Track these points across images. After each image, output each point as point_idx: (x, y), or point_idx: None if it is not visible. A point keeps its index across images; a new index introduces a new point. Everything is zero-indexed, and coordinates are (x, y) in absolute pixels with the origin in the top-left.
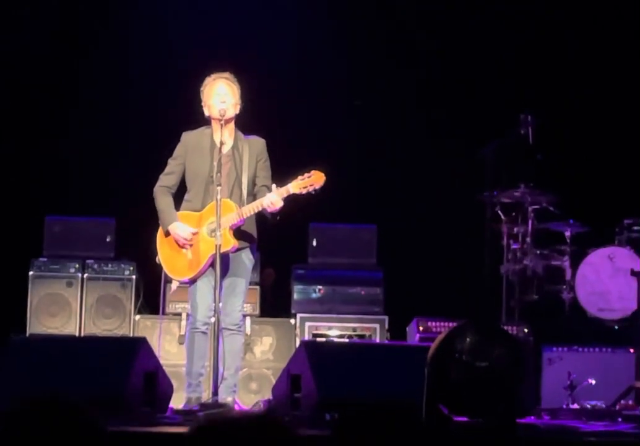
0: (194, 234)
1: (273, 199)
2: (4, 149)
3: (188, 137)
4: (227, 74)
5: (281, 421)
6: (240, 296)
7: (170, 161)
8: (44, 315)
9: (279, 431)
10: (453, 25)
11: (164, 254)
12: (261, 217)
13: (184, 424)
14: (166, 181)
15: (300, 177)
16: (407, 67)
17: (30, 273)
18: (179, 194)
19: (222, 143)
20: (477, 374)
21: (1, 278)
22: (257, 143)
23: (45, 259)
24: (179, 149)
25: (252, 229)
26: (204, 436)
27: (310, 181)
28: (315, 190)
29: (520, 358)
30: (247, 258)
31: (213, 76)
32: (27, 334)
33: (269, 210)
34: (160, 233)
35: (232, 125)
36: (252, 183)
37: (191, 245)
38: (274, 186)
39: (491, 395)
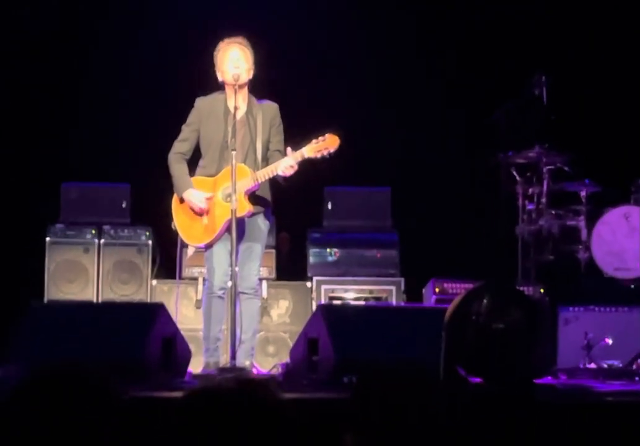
0: (208, 199)
1: (288, 164)
2: (19, 117)
3: (202, 103)
4: (240, 39)
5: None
6: (257, 261)
7: (184, 127)
8: (62, 281)
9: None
10: None
11: (180, 221)
12: (273, 181)
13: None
14: (180, 147)
15: (314, 141)
16: (421, 29)
17: (47, 239)
18: (192, 160)
19: (236, 108)
20: (494, 336)
21: (18, 245)
22: (271, 108)
23: (61, 226)
24: (193, 115)
25: (267, 194)
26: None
27: (324, 145)
28: (329, 154)
29: (537, 319)
30: (262, 223)
31: (226, 40)
32: (45, 300)
33: (283, 174)
34: (175, 200)
35: (245, 90)
36: (266, 148)
37: (207, 211)
38: (288, 149)
39: (508, 356)
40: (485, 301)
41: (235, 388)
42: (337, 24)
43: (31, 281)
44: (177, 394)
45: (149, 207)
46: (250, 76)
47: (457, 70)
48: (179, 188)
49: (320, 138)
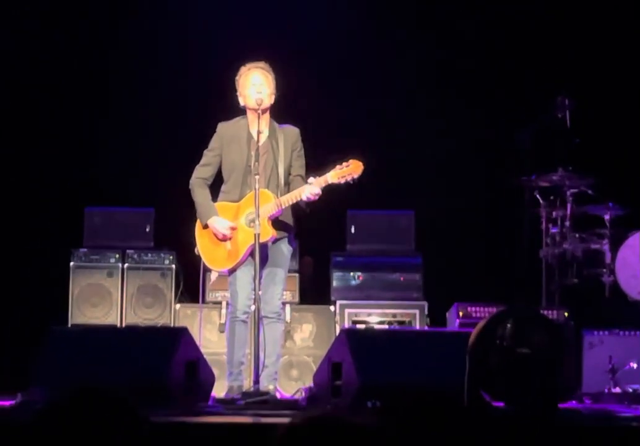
0: (232, 228)
1: (312, 190)
2: (44, 141)
3: (224, 128)
4: (262, 64)
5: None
6: (280, 285)
7: (206, 152)
8: (86, 305)
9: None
10: (489, 7)
11: (203, 246)
12: (296, 206)
13: (226, 413)
14: (203, 172)
15: (338, 166)
16: (443, 53)
17: (71, 263)
18: (214, 185)
19: (259, 133)
20: (519, 360)
21: (43, 269)
22: (292, 132)
23: (85, 250)
24: (215, 141)
25: (290, 219)
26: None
27: (348, 171)
28: (353, 179)
29: (561, 343)
30: (285, 248)
31: (248, 65)
32: (69, 324)
33: (307, 201)
34: (198, 225)
35: (267, 115)
36: (288, 173)
37: (230, 238)
38: (311, 178)
39: (532, 380)
40: (509, 325)
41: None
42: (359, 47)
43: (55, 305)
44: (201, 419)
45: (172, 231)
46: (272, 101)
47: (481, 93)
48: (203, 215)
49: (344, 164)
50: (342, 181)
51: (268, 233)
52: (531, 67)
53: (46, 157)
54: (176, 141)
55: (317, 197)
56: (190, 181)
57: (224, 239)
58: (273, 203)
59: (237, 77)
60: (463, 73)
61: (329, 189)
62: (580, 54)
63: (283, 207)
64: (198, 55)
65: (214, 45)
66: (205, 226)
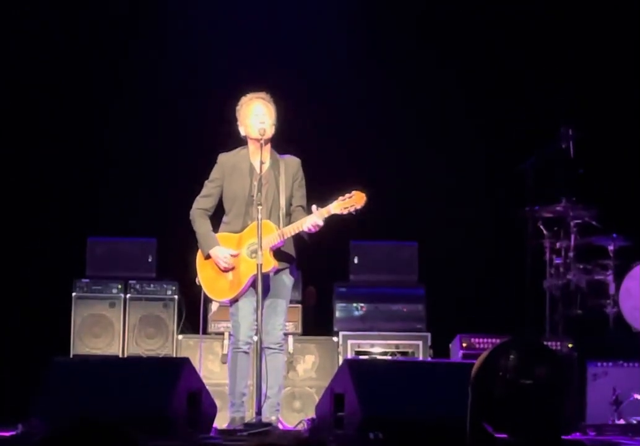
0: (234, 256)
1: (314, 221)
2: (47, 171)
3: (225, 159)
4: (263, 94)
5: (321, 443)
6: (282, 315)
7: (207, 183)
8: (87, 336)
9: None
10: (493, 34)
11: (204, 276)
12: (297, 237)
13: (228, 445)
14: (203, 203)
15: (341, 197)
16: (447, 82)
17: (73, 294)
18: (214, 216)
19: (262, 163)
20: (522, 392)
21: (45, 299)
22: (293, 162)
23: (87, 280)
24: (216, 171)
25: (292, 250)
26: None
27: (351, 202)
28: (356, 210)
29: (564, 376)
30: (287, 278)
31: (249, 95)
32: (71, 355)
33: (309, 232)
34: (199, 255)
35: (268, 145)
36: (289, 203)
37: (232, 268)
38: (314, 207)
39: (535, 412)
40: (512, 356)
41: None
42: (361, 76)
43: (57, 335)
44: None
45: (175, 261)
46: (273, 131)
47: (485, 123)
48: (205, 245)
49: (347, 195)
50: (345, 211)
51: (270, 263)
52: (535, 98)
53: (49, 187)
54: (178, 172)
55: (318, 228)
56: (191, 212)
57: (226, 269)
58: (275, 234)
59: (237, 107)
60: (467, 103)
61: (332, 220)
62: (584, 85)
63: (285, 238)
64: (199, 85)
65: (215, 75)
66: (207, 257)
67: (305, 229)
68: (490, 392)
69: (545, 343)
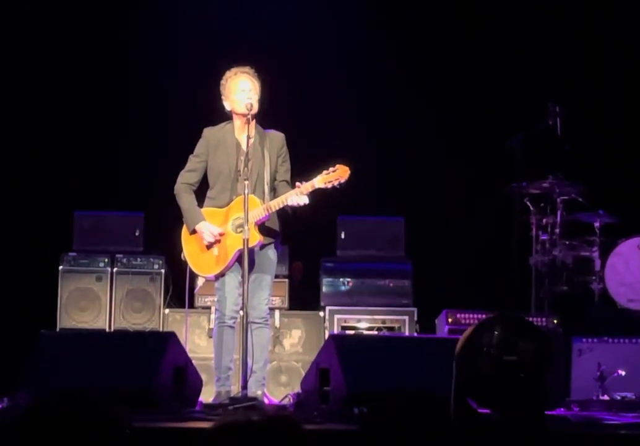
0: (220, 234)
1: (299, 195)
2: (34, 144)
3: (210, 134)
4: (248, 69)
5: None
6: (267, 290)
7: (191, 157)
8: (74, 310)
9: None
10: (482, 14)
11: (190, 251)
12: (282, 212)
13: (213, 419)
14: (188, 178)
15: (325, 171)
16: (435, 59)
17: (60, 267)
18: (197, 191)
19: (249, 137)
20: (505, 367)
21: (31, 273)
22: (278, 137)
23: (74, 254)
24: (200, 146)
25: (276, 225)
26: (219, 436)
27: (335, 176)
28: (340, 184)
29: (548, 352)
30: (272, 253)
31: (234, 69)
32: (58, 329)
33: (292, 205)
34: (184, 230)
35: (254, 120)
36: (274, 178)
37: (218, 243)
38: (298, 184)
39: (519, 388)
40: (496, 333)
41: (264, 422)
42: (347, 51)
43: (44, 309)
44: (188, 424)
45: (162, 236)
46: (258, 106)
47: (472, 100)
48: (190, 221)
49: (331, 169)
50: (329, 185)
51: (255, 238)
52: (523, 75)
53: (36, 161)
54: (166, 146)
55: (303, 202)
56: (176, 187)
57: (212, 245)
58: (260, 208)
59: (222, 82)
60: (454, 80)
61: (319, 195)
62: (571, 62)
63: (270, 212)
64: (185, 61)
65: (200, 49)
66: (193, 232)
67: (290, 204)
68: (475, 368)
69: (530, 319)
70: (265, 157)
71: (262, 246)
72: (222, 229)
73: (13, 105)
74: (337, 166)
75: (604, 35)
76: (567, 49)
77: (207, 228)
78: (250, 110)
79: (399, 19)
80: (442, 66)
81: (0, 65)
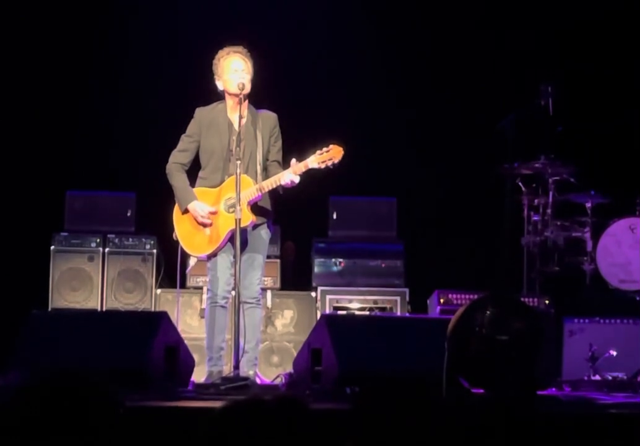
0: (212, 213)
1: (292, 175)
2: (25, 124)
3: (202, 114)
4: (240, 48)
5: (300, 399)
6: (259, 270)
7: (183, 137)
8: (66, 290)
9: (299, 409)
10: None
11: (182, 231)
12: (273, 191)
13: (205, 398)
14: (180, 157)
15: (318, 151)
16: (426, 39)
17: (52, 247)
18: (190, 171)
19: (241, 117)
20: (497, 347)
21: (23, 252)
22: (270, 118)
23: (66, 234)
24: (193, 126)
25: (269, 205)
26: (229, 416)
27: (328, 156)
28: (333, 164)
29: (540, 331)
30: (264, 233)
31: (226, 49)
32: (49, 308)
33: (286, 186)
34: (176, 210)
35: (246, 100)
36: (266, 158)
37: (211, 224)
38: (293, 160)
39: (511, 368)
40: (488, 312)
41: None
42: (341, 32)
43: (36, 289)
44: (180, 403)
45: (154, 216)
46: (250, 86)
47: (464, 80)
48: (183, 200)
49: (325, 149)
50: (323, 165)
51: (248, 218)
52: (515, 55)
53: (27, 141)
54: (158, 125)
55: (296, 182)
56: (167, 166)
57: (204, 224)
58: (253, 188)
59: (215, 61)
60: (445, 59)
61: (311, 175)
62: (563, 41)
63: (263, 192)
64: (177, 39)
65: (192, 28)
66: (185, 211)
67: (283, 184)
68: (467, 348)
69: (522, 299)
70: (258, 137)
71: (255, 226)
72: (214, 209)
73: (3, 85)
74: (331, 146)
75: (597, 13)
76: (560, 26)
77: (200, 207)
78: (242, 90)
79: (392, 2)
80: (433, 47)
81: None
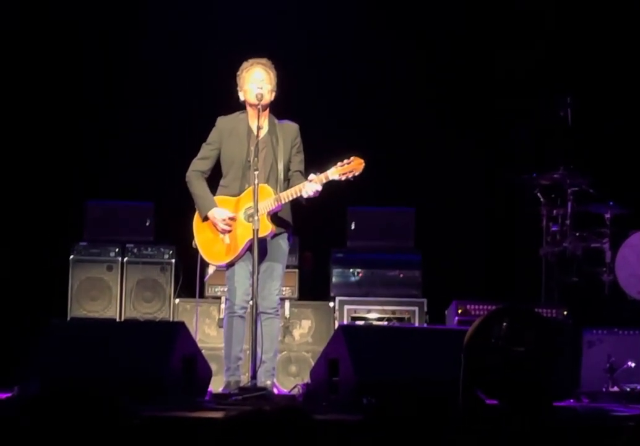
0: (232, 219)
1: (313, 186)
2: (46, 134)
3: (223, 122)
4: (264, 60)
5: (302, 410)
6: (278, 280)
7: (204, 145)
8: (85, 299)
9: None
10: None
11: (201, 239)
12: (295, 201)
13: (222, 408)
14: (200, 165)
15: (339, 163)
16: (445, 49)
17: (71, 257)
18: (211, 179)
19: (259, 128)
20: (513, 359)
21: (42, 262)
22: (292, 128)
23: (85, 244)
24: (213, 134)
25: (289, 215)
26: (231, 426)
27: (349, 168)
28: (354, 176)
29: (556, 343)
30: (284, 243)
31: (250, 61)
32: (68, 318)
33: (305, 196)
34: (196, 218)
35: (267, 110)
36: (287, 168)
37: (230, 230)
38: (312, 174)
39: (526, 380)
40: (504, 324)
41: (275, 413)
42: (362, 45)
43: (55, 298)
44: (198, 414)
45: (172, 225)
46: (273, 97)
47: (483, 90)
48: (203, 207)
49: (346, 161)
50: (343, 177)
51: (267, 228)
52: (534, 65)
53: (48, 151)
54: (176, 135)
55: (317, 194)
56: (187, 174)
57: (224, 231)
58: (273, 198)
59: (238, 72)
60: (464, 69)
61: (330, 185)
62: (582, 52)
63: (283, 202)
64: (200, 49)
65: (216, 40)
66: (205, 219)
67: (304, 195)
68: (483, 359)
69: (540, 310)
70: (279, 148)
71: (274, 236)
72: (233, 214)
73: (24, 93)
74: (352, 158)
75: (617, 24)
76: (579, 37)
77: (219, 214)
78: (260, 100)
79: (412, 5)
80: (454, 56)
81: (13, 53)
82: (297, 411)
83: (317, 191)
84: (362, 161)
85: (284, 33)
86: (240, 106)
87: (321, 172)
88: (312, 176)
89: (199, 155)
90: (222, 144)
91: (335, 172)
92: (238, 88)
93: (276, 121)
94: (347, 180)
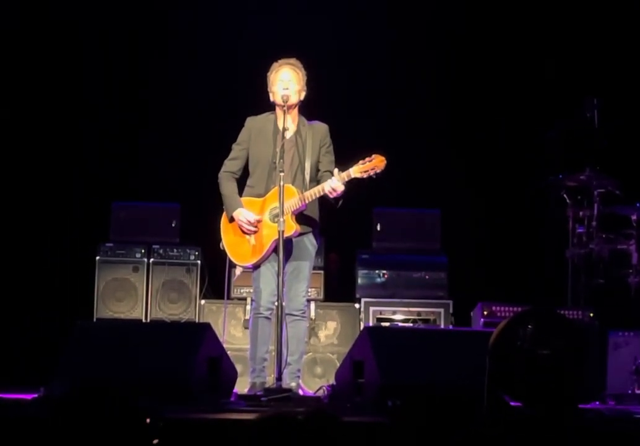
0: (257, 221)
1: (334, 184)
2: (73, 135)
3: (252, 123)
4: (292, 60)
5: (331, 413)
6: (304, 282)
7: (234, 146)
8: (111, 300)
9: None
10: (519, 3)
11: (228, 240)
12: (324, 201)
13: (248, 410)
14: (231, 166)
15: (361, 161)
16: (472, 51)
17: (97, 258)
18: (241, 180)
19: (284, 129)
20: (539, 362)
21: (69, 263)
22: (321, 128)
23: (111, 245)
24: (243, 134)
25: (315, 214)
26: (262, 428)
27: (371, 165)
28: (376, 174)
29: (582, 346)
30: (310, 243)
31: (279, 61)
32: (94, 319)
33: (330, 195)
34: (224, 219)
35: (295, 111)
36: (316, 169)
37: (255, 231)
38: (335, 170)
39: (552, 383)
40: (530, 326)
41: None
42: (392, 45)
43: (81, 299)
44: (223, 415)
45: (198, 227)
46: (301, 98)
47: (510, 92)
48: (229, 207)
49: (367, 158)
50: (365, 175)
51: (292, 227)
52: (561, 67)
53: (75, 152)
54: (203, 137)
55: (340, 192)
56: (219, 175)
57: (249, 232)
58: (297, 198)
59: (268, 73)
60: (492, 71)
61: (356, 187)
62: (609, 54)
63: (307, 202)
64: (229, 51)
65: (246, 41)
66: (231, 219)
67: (327, 193)
68: (508, 362)
69: (566, 312)
70: (307, 148)
71: (299, 235)
72: (259, 217)
73: (52, 95)
74: (374, 155)
75: None
76: (607, 39)
77: (244, 215)
78: (286, 101)
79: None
80: (480, 58)
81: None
82: (326, 415)
83: (339, 189)
84: (383, 158)
85: (317, 34)
86: (271, 107)
87: (344, 170)
88: (335, 172)
89: (230, 156)
90: (251, 144)
91: (356, 171)
92: (268, 89)
93: (305, 121)
94: (369, 178)
